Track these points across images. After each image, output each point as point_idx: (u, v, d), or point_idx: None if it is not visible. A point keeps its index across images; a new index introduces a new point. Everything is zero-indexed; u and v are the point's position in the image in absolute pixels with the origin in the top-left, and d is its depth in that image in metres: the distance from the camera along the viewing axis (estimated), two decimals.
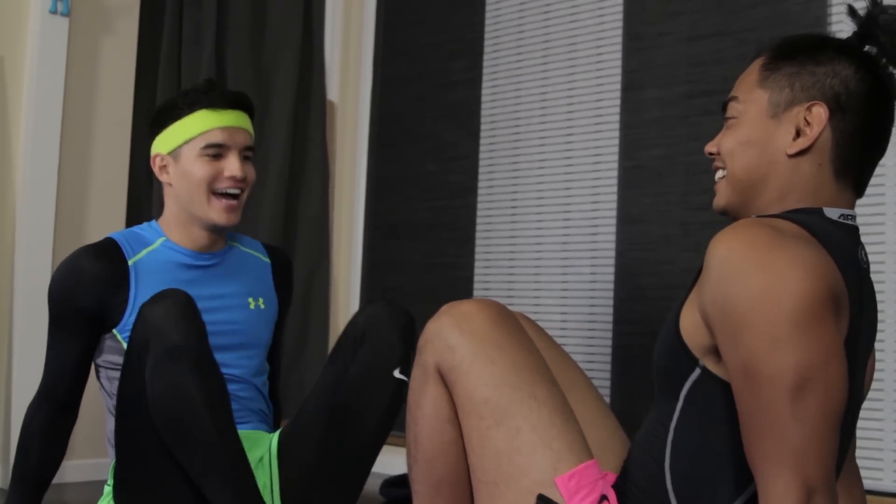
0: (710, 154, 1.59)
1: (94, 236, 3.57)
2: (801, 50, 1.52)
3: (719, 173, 1.57)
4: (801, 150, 1.48)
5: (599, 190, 3.75)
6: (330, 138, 4.52)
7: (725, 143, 1.55)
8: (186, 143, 2.20)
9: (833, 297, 1.31)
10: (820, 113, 1.47)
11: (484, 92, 4.16)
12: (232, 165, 2.20)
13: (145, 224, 2.31)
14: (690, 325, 1.42)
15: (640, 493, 1.45)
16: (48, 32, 3.52)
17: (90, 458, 3.48)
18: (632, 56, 3.72)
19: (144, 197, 3.92)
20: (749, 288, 1.29)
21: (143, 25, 3.90)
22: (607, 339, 3.63)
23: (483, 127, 4.14)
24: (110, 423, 2.21)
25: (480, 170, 4.13)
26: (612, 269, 3.66)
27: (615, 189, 3.70)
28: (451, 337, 1.54)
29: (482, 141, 4.13)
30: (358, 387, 2.13)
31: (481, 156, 4.13)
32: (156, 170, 2.26)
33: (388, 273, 4.40)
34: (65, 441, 2.19)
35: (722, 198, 1.56)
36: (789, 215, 1.44)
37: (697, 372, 1.41)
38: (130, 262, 2.20)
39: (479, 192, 4.11)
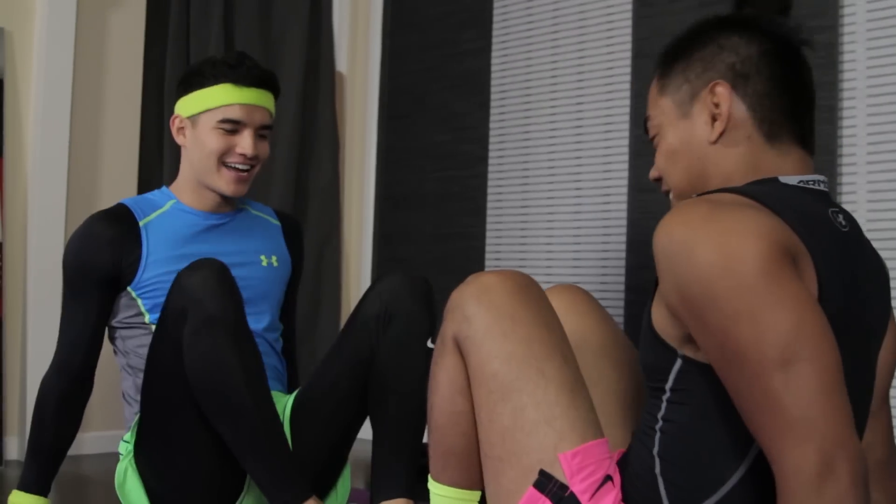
0: (655, 180, 1.56)
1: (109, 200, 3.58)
2: (683, 45, 1.51)
3: (670, 193, 1.54)
4: (721, 133, 1.44)
5: (611, 158, 3.74)
6: (339, 110, 4.51)
7: (658, 162, 1.53)
8: (205, 112, 2.22)
9: (787, 254, 1.24)
10: (721, 91, 1.44)
11: (494, 61, 4.14)
12: (244, 143, 2.22)
13: (156, 191, 2.34)
14: (661, 318, 1.37)
15: (635, 479, 1.43)
16: (56, 7, 3.51)
17: (106, 430, 3.51)
18: (642, 24, 3.69)
19: (155, 172, 3.93)
20: (697, 268, 1.23)
21: (151, 0, 3.90)
22: (619, 308, 3.63)
23: (493, 97, 4.13)
24: (126, 381, 2.24)
25: (491, 140, 4.12)
26: (623, 238, 3.66)
27: (626, 157, 3.69)
28: (468, 307, 1.52)
29: (492, 111, 4.12)
30: (394, 363, 2.13)
31: (492, 126, 4.12)
32: (174, 130, 2.29)
33: (399, 244, 4.40)
34: (80, 413, 2.21)
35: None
36: (736, 188, 1.38)
37: (679, 363, 1.37)
38: (141, 224, 2.23)
39: (490, 161, 4.11)
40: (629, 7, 3.73)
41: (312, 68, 4.40)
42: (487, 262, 4.08)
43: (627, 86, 3.72)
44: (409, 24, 4.48)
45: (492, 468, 1.48)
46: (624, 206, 3.66)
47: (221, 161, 2.23)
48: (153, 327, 2.17)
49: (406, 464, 2.11)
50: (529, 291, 1.54)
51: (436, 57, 4.35)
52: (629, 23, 3.73)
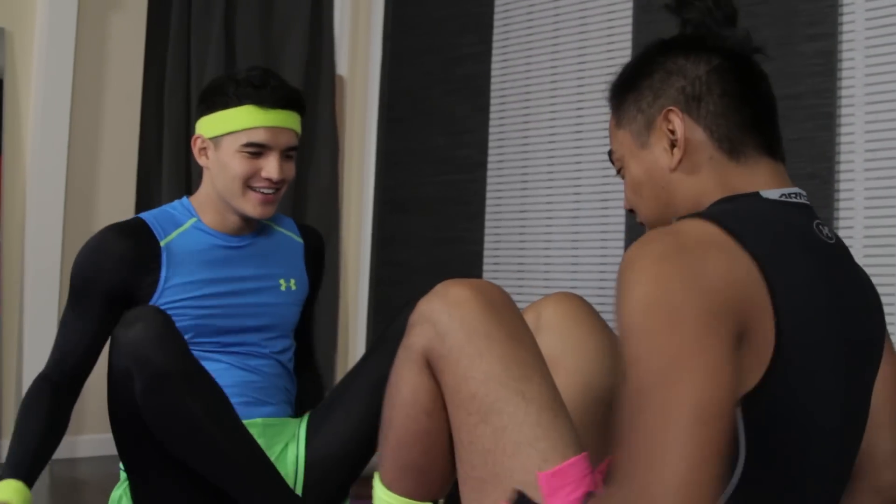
0: (629, 211, 1.53)
1: (105, 213, 3.58)
2: (631, 74, 1.47)
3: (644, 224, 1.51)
4: (680, 159, 1.40)
5: (610, 164, 3.73)
6: (339, 113, 4.51)
7: (626, 195, 1.50)
8: (229, 134, 2.15)
9: (726, 315, 1.17)
10: (674, 117, 1.39)
11: (494, 66, 4.14)
12: (270, 167, 2.15)
13: (176, 202, 2.27)
14: None
15: None
16: (57, 7, 3.51)
17: (102, 433, 3.50)
18: (642, 28, 3.69)
19: (154, 173, 3.92)
20: (628, 301, 1.19)
21: (153, 1, 3.89)
22: None
23: (493, 101, 4.13)
24: None
25: (490, 144, 4.12)
26: (622, 244, 3.65)
27: None
28: (441, 323, 1.48)
29: (492, 115, 4.12)
30: None
31: (491, 130, 4.12)
32: (195, 150, 2.22)
33: (397, 248, 4.40)
34: (65, 420, 2.13)
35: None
36: (713, 213, 1.30)
37: None
38: (162, 244, 2.17)
39: (489, 166, 4.11)
40: (629, 12, 3.73)
41: (313, 71, 4.39)
42: (485, 267, 4.08)
43: None
44: (410, 27, 4.48)
45: (474, 488, 1.45)
46: (622, 213, 3.65)
47: (247, 185, 2.16)
48: None
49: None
50: (503, 306, 1.50)
51: (436, 61, 4.35)
52: (629, 28, 3.73)
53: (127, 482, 2.09)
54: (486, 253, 4.08)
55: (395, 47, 4.53)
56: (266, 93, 2.13)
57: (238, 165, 2.14)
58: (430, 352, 1.50)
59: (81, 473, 3.25)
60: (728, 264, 1.22)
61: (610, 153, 1.52)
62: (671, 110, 1.39)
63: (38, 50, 3.50)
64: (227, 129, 2.14)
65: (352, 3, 4.60)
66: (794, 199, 1.37)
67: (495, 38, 4.15)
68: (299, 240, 2.38)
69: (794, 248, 1.29)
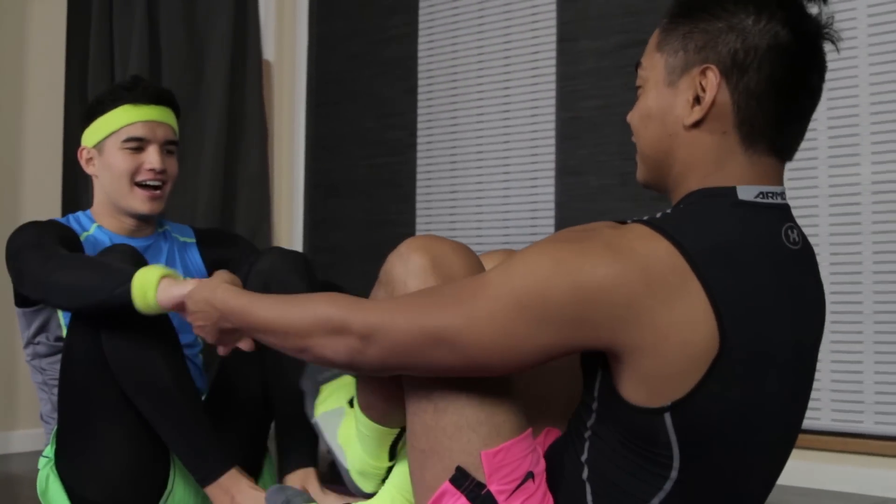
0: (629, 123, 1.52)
1: (31, 203, 3.53)
2: (697, 4, 1.38)
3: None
4: (698, 120, 1.35)
5: (538, 142, 3.76)
6: (267, 98, 4.48)
7: (632, 116, 1.46)
8: (109, 136, 2.25)
9: (583, 317, 1.26)
10: (711, 78, 1.33)
11: (420, 47, 4.15)
12: (151, 158, 2.24)
13: (79, 213, 2.34)
14: None
15: (562, 472, 1.41)
16: None
17: (35, 427, 3.46)
18: (566, 7, 3.72)
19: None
20: (526, 258, 1.29)
21: None
22: None
23: (420, 83, 4.13)
24: (43, 400, 2.24)
25: (419, 126, 4.12)
26: (552, 221, 3.68)
27: (553, 141, 3.72)
28: (396, 282, 1.48)
29: (420, 97, 4.13)
30: None
31: (420, 112, 4.12)
32: (82, 162, 2.31)
33: (330, 231, 4.39)
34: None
35: (639, 173, 1.47)
36: (683, 216, 1.32)
37: (600, 374, 1.37)
38: (82, 238, 2.24)
39: (419, 148, 4.11)
40: None
41: (239, 57, 4.36)
42: None
43: (553, 69, 3.74)
44: (336, 10, 4.47)
45: (416, 459, 1.46)
46: (552, 190, 3.68)
47: (133, 181, 2.25)
48: None
49: (307, 435, 2.13)
50: (455, 266, 1.48)
51: (363, 43, 4.34)
52: (554, 6, 3.75)
53: (52, 462, 2.08)
54: (417, 233, 4.09)
55: (322, 30, 4.51)
56: (139, 91, 2.26)
57: (122, 162, 2.24)
58: None
59: (15, 469, 3.21)
60: (657, 251, 1.25)
61: (637, 65, 1.47)
62: (710, 69, 1.34)
63: None
64: (108, 130, 2.25)
65: None
66: (769, 200, 1.35)
67: (421, 19, 4.15)
68: (192, 240, 2.43)
69: (751, 256, 1.29)
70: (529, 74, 3.81)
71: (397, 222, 4.15)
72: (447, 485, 1.39)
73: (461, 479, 1.39)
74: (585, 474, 1.37)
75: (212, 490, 1.99)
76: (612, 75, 3.59)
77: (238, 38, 4.36)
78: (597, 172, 3.60)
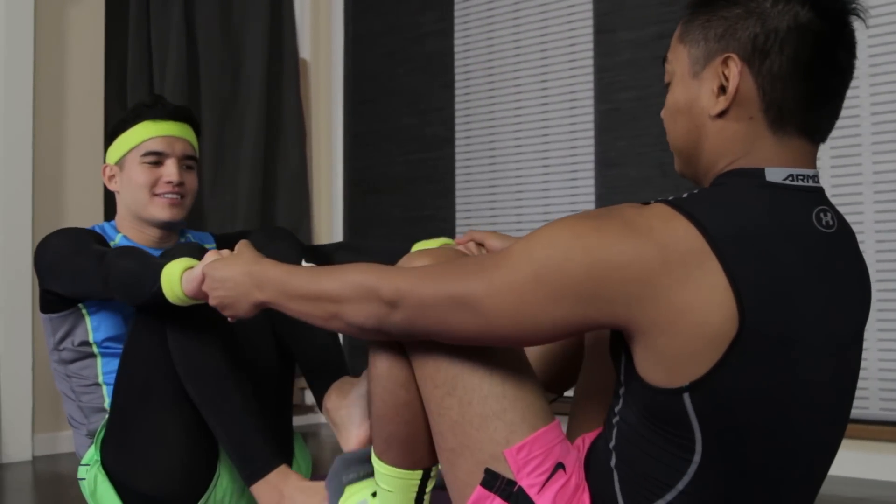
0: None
1: (74, 207, 3.56)
2: None
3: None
4: (723, 110, 1.34)
5: (577, 135, 3.75)
6: (304, 97, 4.50)
7: (664, 112, 1.45)
8: (129, 151, 2.31)
9: (597, 294, 1.27)
10: (733, 67, 1.32)
11: (456, 42, 4.14)
12: (170, 171, 2.30)
13: (104, 223, 2.39)
14: None
15: (597, 465, 1.41)
16: (13, 5, 3.48)
17: None
18: None
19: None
20: (547, 232, 1.31)
21: None
22: None
23: (457, 77, 4.13)
24: (70, 406, 2.27)
25: (457, 120, 4.12)
26: None
27: (592, 133, 3.70)
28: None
29: (457, 92, 4.12)
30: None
31: (457, 106, 4.12)
32: (105, 180, 2.37)
33: (369, 228, 4.40)
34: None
35: (676, 165, 1.47)
36: (709, 196, 1.32)
37: (624, 357, 1.38)
38: (111, 245, 2.27)
39: (457, 142, 4.11)
40: None
41: (276, 56, 4.38)
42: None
43: (590, 61, 3.72)
44: (371, 8, 4.47)
45: (446, 459, 1.47)
46: (592, 182, 3.67)
47: (152, 192, 2.30)
48: (95, 348, 2.20)
49: (331, 355, 2.18)
50: None
51: (398, 40, 4.34)
52: None
53: (98, 463, 2.10)
54: (457, 229, 4.09)
55: (357, 28, 4.52)
56: (158, 109, 2.33)
57: (141, 175, 2.29)
58: None
59: (64, 468, 3.24)
60: (682, 231, 1.24)
61: (664, 60, 1.46)
62: (731, 57, 1.32)
63: None
64: (128, 146, 2.31)
65: None
66: (799, 183, 1.33)
67: (456, 13, 4.15)
68: (213, 245, 2.48)
69: (776, 239, 1.28)
70: (567, 66, 3.79)
71: (437, 217, 4.15)
72: (480, 490, 1.41)
73: (491, 480, 1.40)
74: (613, 461, 1.38)
75: (259, 487, 2.00)
76: (649, 66, 3.57)
77: (274, 38, 4.38)
78: (636, 164, 3.58)
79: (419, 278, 1.38)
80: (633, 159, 3.59)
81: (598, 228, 1.27)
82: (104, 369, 2.21)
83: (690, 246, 1.24)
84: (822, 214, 1.33)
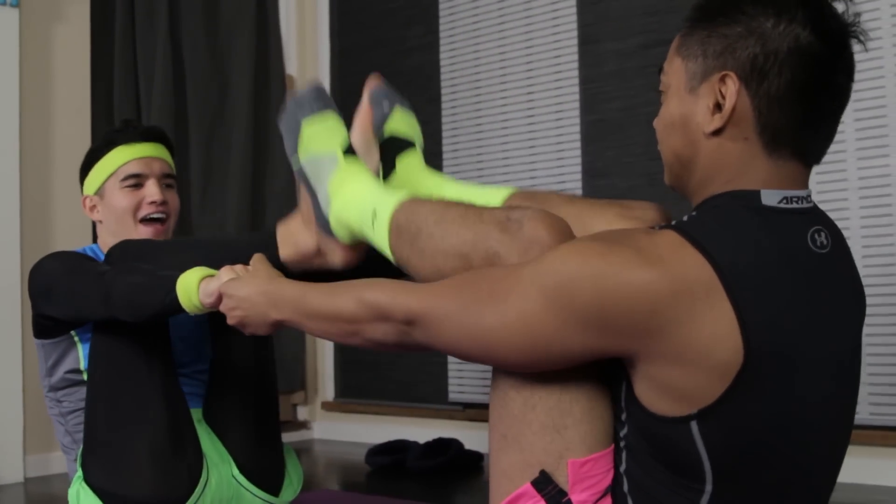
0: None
1: (62, 226, 3.56)
2: (715, 8, 1.35)
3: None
4: (719, 128, 1.33)
5: (564, 146, 3.76)
6: None
7: (656, 125, 1.44)
8: (108, 178, 2.30)
9: (604, 325, 1.26)
10: (731, 85, 1.30)
11: (442, 56, 4.15)
12: (151, 191, 2.29)
13: (86, 248, 2.36)
14: None
15: (615, 486, 1.39)
16: None
17: None
18: (587, 10, 3.72)
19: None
20: (559, 255, 1.29)
21: (95, 11, 3.86)
22: None
23: (444, 91, 4.14)
24: (59, 432, 2.27)
25: (444, 134, 4.13)
26: None
27: (579, 144, 3.71)
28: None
29: (444, 105, 4.13)
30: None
31: (444, 120, 4.13)
32: (87, 212, 2.36)
33: None
34: None
35: (666, 177, 1.46)
36: (710, 219, 1.31)
37: (625, 385, 1.37)
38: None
39: (444, 156, 4.12)
40: None
41: (262, 72, 4.39)
42: None
43: (576, 72, 3.74)
44: (356, 23, 4.48)
45: (496, 441, 1.44)
46: (579, 193, 3.68)
47: (136, 218, 2.29)
48: (85, 376, 2.17)
49: None
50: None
51: (384, 55, 4.35)
52: (574, 10, 3.75)
53: (81, 479, 2.09)
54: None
55: (343, 43, 4.52)
56: (130, 132, 2.33)
57: (123, 199, 2.28)
58: None
59: (57, 490, 3.23)
60: (652, 282, 1.23)
61: (660, 70, 1.45)
62: (729, 76, 1.31)
63: None
64: (106, 174, 2.30)
65: (297, 1, 4.59)
66: (794, 205, 1.32)
67: (442, 27, 4.16)
68: None
69: (777, 266, 1.27)
70: (553, 79, 3.81)
71: None
72: (528, 486, 1.38)
73: (544, 483, 1.37)
74: (626, 486, 1.37)
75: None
76: (634, 76, 3.59)
77: (260, 54, 4.39)
78: (623, 174, 3.59)
79: (431, 301, 1.39)
80: (620, 169, 3.61)
81: (607, 256, 1.25)
82: None
83: (699, 277, 1.23)
84: (816, 235, 1.33)
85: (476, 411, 3.89)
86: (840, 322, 1.35)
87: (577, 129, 3.72)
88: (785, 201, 1.32)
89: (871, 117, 3.07)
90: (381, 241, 1.62)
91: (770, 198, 1.31)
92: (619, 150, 3.61)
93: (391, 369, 4.25)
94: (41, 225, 3.57)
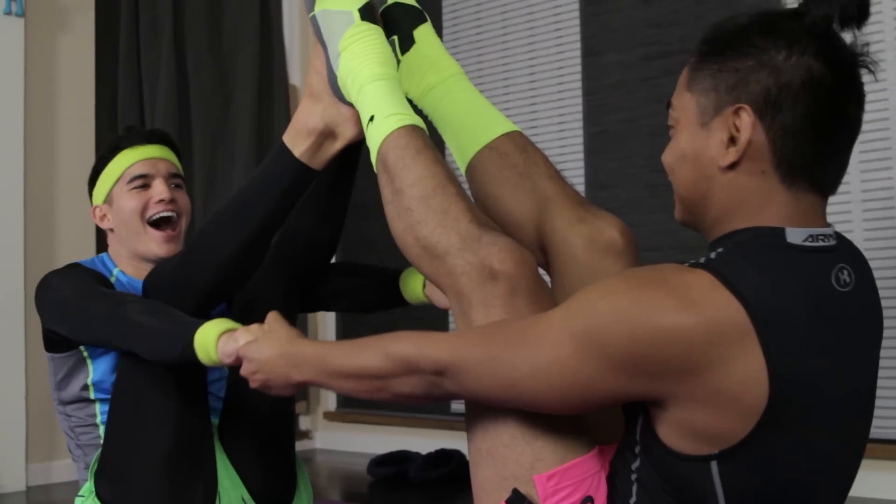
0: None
1: (65, 235, 3.56)
2: (724, 41, 1.34)
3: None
4: (734, 162, 1.31)
5: (567, 157, 3.76)
6: None
7: (665, 158, 1.42)
8: (115, 184, 2.26)
9: (636, 365, 1.24)
10: (745, 118, 1.29)
11: None
12: (158, 190, 2.24)
13: (95, 258, 2.32)
14: None
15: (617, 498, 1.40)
16: (4, 34, 3.50)
17: None
18: (590, 22, 3.73)
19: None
20: (598, 294, 1.28)
21: (100, 21, 3.88)
22: None
23: None
24: (70, 442, 2.25)
25: (447, 145, 4.12)
26: None
27: (582, 155, 3.72)
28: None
29: None
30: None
31: None
32: (97, 221, 2.31)
33: (363, 252, 4.39)
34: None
35: (677, 212, 1.44)
36: (740, 257, 1.28)
37: (641, 419, 1.36)
38: (111, 280, 2.23)
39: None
40: (576, 6, 3.76)
41: (265, 82, 4.39)
42: None
43: (579, 84, 3.75)
44: None
45: (474, 454, 1.45)
46: None
47: (144, 220, 2.24)
48: (93, 392, 2.16)
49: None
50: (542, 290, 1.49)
51: None
52: (577, 21, 3.76)
53: (93, 493, 2.08)
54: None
55: None
56: (133, 136, 2.30)
57: (131, 201, 2.24)
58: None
59: (56, 498, 3.23)
60: (715, 300, 1.22)
61: (668, 105, 1.43)
62: (744, 108, 1.30)
63: None
64: (112, 180, 2.26)
65: (301, 11, 4.60)
66: (819, 243, 1.30)
67: (445, 38, 4.16)
68: None
69: (805, 310, 1.26)
70: (556, 90, 3.82)
71: None
72: None
73: (517, 501, 1.38)
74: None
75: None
76: (637, 88, 3.59)
77: (264, 65, 4.39)
78: (626, 185, 3.59)
79: (460, 351, 1.37)
80: (623, 181, 3.61)
81: (638, 300, 1.23)
82: (101, 409, 2.17)
83: (732, 320, 1.21)
84: (839, 273, 1.31)
85: None
86: (860, 360, 1.34)
87: (580, 140, 3.73)
88: (810, 239, 1.30)
89: (874, 129, 3.07)
90: (370, 145, 1.69)
91: (795, 236, 1.29)
92: (621, 161, 3.62)
93: None
94: (45, 233, 3.58)
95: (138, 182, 2.24)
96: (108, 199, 2.28)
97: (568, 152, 3.76)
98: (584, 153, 3.71)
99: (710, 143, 1.34)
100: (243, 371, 1.69)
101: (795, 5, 1.34)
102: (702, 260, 1.29)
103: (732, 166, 1.32)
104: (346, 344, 1.52)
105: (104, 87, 3.90)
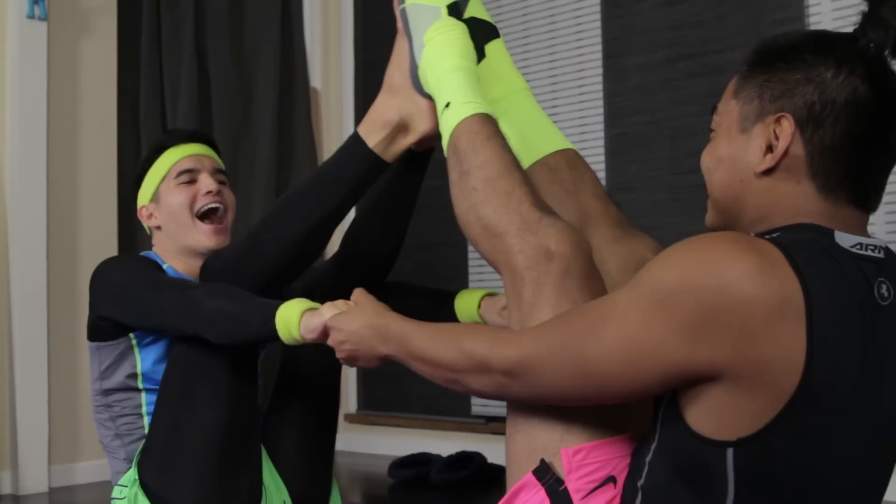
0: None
1: (88, 237, 3.58)
2: (775, 53, 1.36)
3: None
4: (769, 168, 1.34)
5: (588, 160, 3.71)
6: (316, 125, 4.52)
7: (703, 159, 1.45)
8: (161, 182, 2.29)
9: (702, 329, 1.22)
10: (786, 126, 1.32)
11: None
12: (205, 182, 2.28)
13: (149, 252, 2.35)
14: None
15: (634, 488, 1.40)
16: (27, 38, 3.52)
17: (98, 458, 3.50)
18: (611, 24, 3.72)
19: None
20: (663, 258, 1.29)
21: (122, 24, 3.89)
22: None
23: None
24: (106, 434, 2.23)
25: None
26: None
27: (603, 157, 3.71)
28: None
29: None
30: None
31: None
32: (144, 221, 2.34)
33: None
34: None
35: (708, 217, 1.48)
36: (792, 236, 1.29)
37: (666, 398, 1.36)
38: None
39: None
40: (597, 7, 3.76)
41: (286, 85, 4.41)
42: (471, 270, 4.10)
43: (600, 86, 3.74)
44: (381, 36, 4.49)
45: (509, 428, 1.48)
46: None
47: (193, 213, 2.26)
48: (140, 382, 2.17)
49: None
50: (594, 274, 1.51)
51: None
52: (598, 23, 3.75)
53: (137, 483, 2.08)
54: (470, 255, 4.10)
55: (368, 56, 4.54)
56: (177, 135, 2.36)
57: (179, 195, 2.27)
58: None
59: (80, 500, 3.24)
60: (765, 279, 1.21)
61: (713, 109, 1.46)
62: (786, 117, 1.32)
63: (10, 81, 3.50)
64: (159, 178, 2.29)
65: (321, 14, 4.61)
66: (868, 253, 1.31)
67: None
68: None
69: (849, 309, 1.26)
70: (576, 92, 3.81)
71: (448, 244, 4.16)
72: (530, 476, 1.41)
73: (543, 472, 1.41)
74: (639, 501, 1.37)
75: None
76: (658, 90, 3.58)
77: (285, 67, 4.41)
78: (648, 188, 3.58)
79: (530, 345, 1.37)
80: (644, 183, 3.60)
81: (708, 265, 1.23)
82: (147, 399, 2.18)
83: (792, 297, 1.21)
84: (881, 286, 1.31)
85: (499, 425, 3.88)
86: (892, 379, 1.32)
87: (602, 143, 3.72)
88: (859, 247, 1.31)
89: None
90: (443, 130, 1.73)
91: (844, 240, 1.30)
92: (643, 164, 3.61)
93: (414, 382, 4.24)
94: (68, 235, 3.60)
95: (185, 177, 2.27)
96: (156, 197, 2.30)
97: (589, 154, 3.75)
98: (606, 155, 3.70)
99: (748, 147, 1.36)
100: (331, 341, 1.72)
101: (819, 10, 1.34)
102: (766, 236, 1.29)
103: (767, 172, 1.34)
104: (429, 328, 1.53)
105: (126, 90, 3.92)
